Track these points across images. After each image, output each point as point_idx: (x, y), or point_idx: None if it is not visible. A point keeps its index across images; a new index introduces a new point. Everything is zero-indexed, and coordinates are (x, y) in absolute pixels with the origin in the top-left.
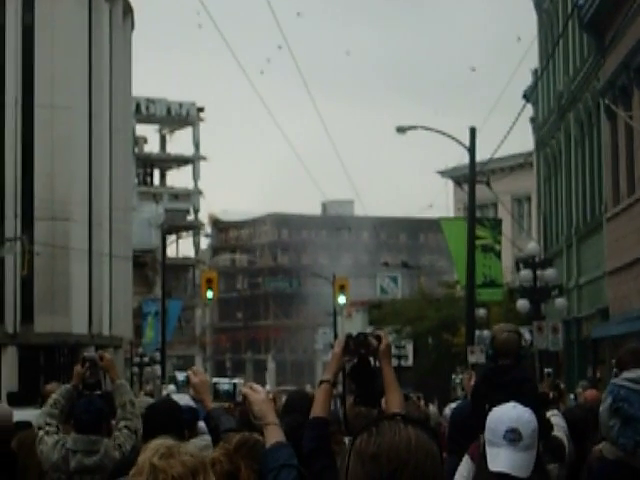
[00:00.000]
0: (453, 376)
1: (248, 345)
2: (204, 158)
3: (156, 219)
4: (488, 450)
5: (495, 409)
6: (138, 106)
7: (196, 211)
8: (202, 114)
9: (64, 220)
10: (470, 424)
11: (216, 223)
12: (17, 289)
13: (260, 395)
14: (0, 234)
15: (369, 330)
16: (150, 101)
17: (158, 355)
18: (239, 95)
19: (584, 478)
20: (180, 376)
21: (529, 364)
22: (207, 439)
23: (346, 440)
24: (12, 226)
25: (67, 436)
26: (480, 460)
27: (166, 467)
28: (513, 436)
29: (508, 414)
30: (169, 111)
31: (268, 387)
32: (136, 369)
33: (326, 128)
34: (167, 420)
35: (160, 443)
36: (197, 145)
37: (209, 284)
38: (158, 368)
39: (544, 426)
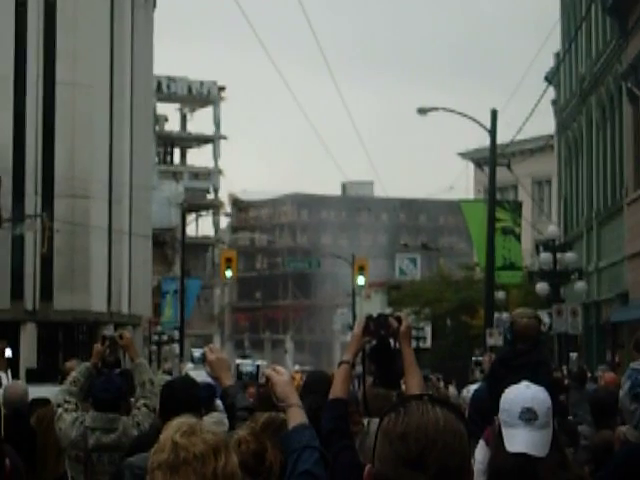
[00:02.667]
0: (473, 358)
1: (266, 325)
2: (225, 137)
3: (176, 198)
4: (504, 431)
5: (508, 390)
6: (159, 84)
7: (216, 190)
8: (223, 93)
9: (84, 198)
10: (490, 406)
11: (236, 202)
12: (37, 266)
13: (283, 377)
14: (20, 211)
15: (388, 311)
16: (171, 80)
17: (177, 334)
18: (260, 74)
19: (608, 460)
20: (197, 353)
21: (547, 347)
22: (216, 416)
23: (365, 421)
24: (32, 203)
25: (86, 414)
26: (497, 441)
27: (188, 445)
28: (529, 415)
29: (523, 394)
30: (190, 90)
31: (297, 367)
32: (155, 347)
33: (347, 108)
34: (184, 397)
35: (182, 421)
36: (218, 124)
37: (228, 263)
38: (176, 346)
39: (558, 408)
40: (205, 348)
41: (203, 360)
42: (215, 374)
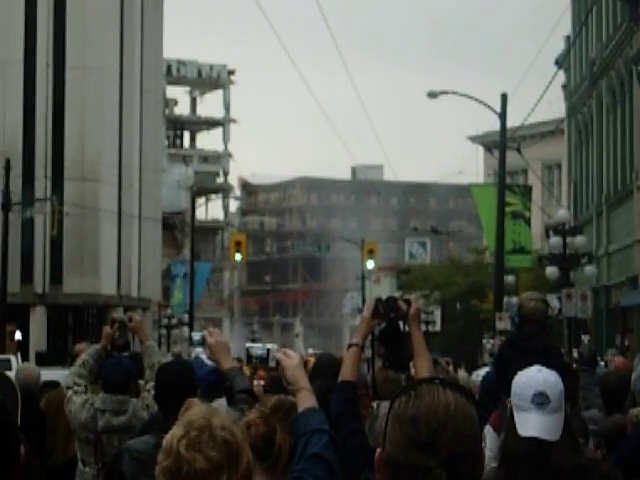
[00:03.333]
0: (484, 341)
1: (276, 308)
2: (234, 121)
3: (186, 181)
4: (516, 415)
5: (520, 373)
6: (169, 68)
7: (225, 174)
8: (233, 77)
9: (94, 181)
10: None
11: (245, 186)
12: (46, 249)
13: (293, 361)
14: (30, 194)
15: (397, 295)
16: (181, 63)
17: (186, 317)
18: (270, 58)
19: (619, 445)
20: (196, 336)
21: (557, 331)
22: (221, 402)
23: (374, 404)
24: (42, 186)
25: (95, 396)
26: (509, 425)
27: (190, 460)
28: (541, 399)
29: (534, 378)
30: (200, 73)
31: (310, 350)
32: (164, 331)
33: (357, 92)
34: (178, 380)
35: (193, 422)
36: (227, 108)
37: (238, 247)
38: (186, 330)
39: (570, 394)
40: (204, 331)
41: (202, 343)
42: (214, 357)
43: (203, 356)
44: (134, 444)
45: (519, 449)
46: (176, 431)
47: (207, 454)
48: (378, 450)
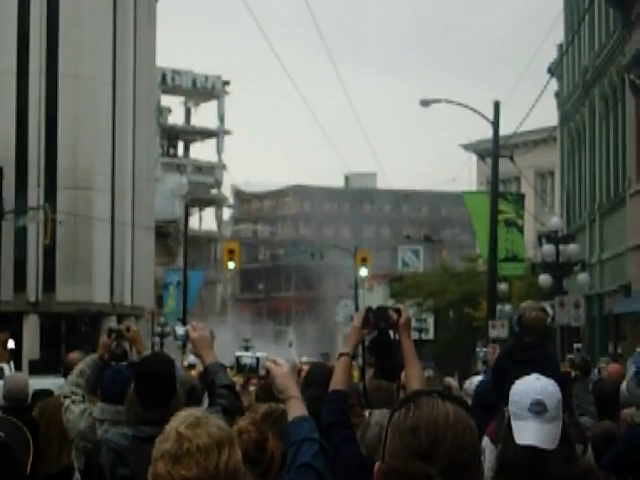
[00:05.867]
0: (477, 349)
1: (269, 316)
2: (228, 132)
3: (180, 189)
4: (514, 423)
5: (518, 382)
6: (164, 77)
7: (219, 185)
8: (227, 88)
9: (87, 189)
10: (494, 400)
11: (238, 194)
12: (39, 258)
13: (283, 369)
14: (23, 203)
15: (390, 303)
16: (176, 72)
17: (179, 324)
18: (264, 68)
19: (607, 451)
20: (180, 331)
21: (552, 340)
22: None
23: (366, 413)
24: (35, 195)
25: (94, 405)
26: (506, 433)
27: (192, 436)
28: (538, 408)
29: (532, 386)
30: (195, 83)
31: (304, 359)
32: (157, 339)
33: (350, 100)
34: (157, 373)
35: (188, 413)
36: (222, 119)
37: (231, 255)
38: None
39: (568, 403)
40: (187, 326)
41: (186, 338)
42: (197, 352)
43: (192, 357)
44: (111, 436)
45: (516, 457)
46: (174, 421)
47: (208, 430)
48: (377, 463)
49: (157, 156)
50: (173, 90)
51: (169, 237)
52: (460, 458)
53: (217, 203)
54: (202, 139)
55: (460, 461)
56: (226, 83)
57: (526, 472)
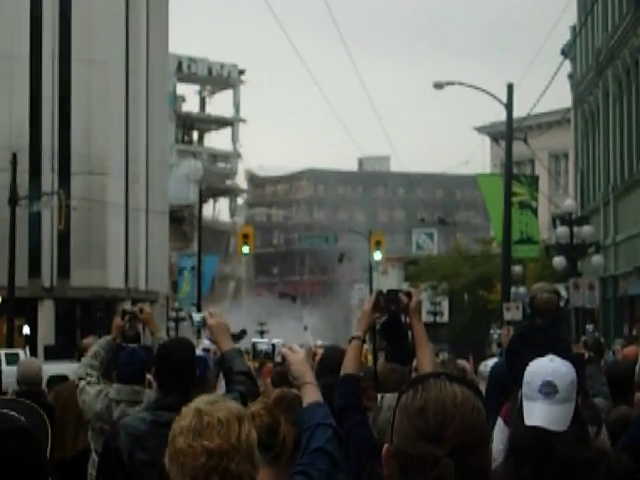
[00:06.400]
0: (491, 332)
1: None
2: (244, 121)
3: (194, 174)
4: (525, 404)
5: (532, 363)
6: (180, 64)
7: (234, 174)
8: (243, 77)
9: (101, 175)
10: (509, 382)
11: (252, 179)
12: (54, 243)
13: (298, 355)
14: (37, 188)
15: (405, 286)
16: (192, 60)
17: (194, 310)
18: (277, 52)
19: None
20: (197, 317)
21: (565, 322)
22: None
23: (379, 396)
24: (49, 180)
25: (109, 386)
26: (517, 414)
27: (212, 410)
28: (548, 389)
29: (545, 367)
30: (210, 71)
31: (319, 342)
32: (172, 323)
33: (364, 84)
34: (178, 358)
35: (205, 396)
36: (237, 107)
37: (245, 239)
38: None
39: (582, 385)
40: (205, 312)
41: (203, 324)
42: (214, 338)
43: (207, 342)
44: (130, 421)
45: (525, 439)
46: (191, 403)
47: (226, 405)
48: (385, 445)
49: (172, 142)
50: (189, 78)
51: (184, 222)
52: (468, 439)
53: (231, 193)
54: (217, 128)
55: (468, 442)
56: (242, 72)
57: (535, 454)
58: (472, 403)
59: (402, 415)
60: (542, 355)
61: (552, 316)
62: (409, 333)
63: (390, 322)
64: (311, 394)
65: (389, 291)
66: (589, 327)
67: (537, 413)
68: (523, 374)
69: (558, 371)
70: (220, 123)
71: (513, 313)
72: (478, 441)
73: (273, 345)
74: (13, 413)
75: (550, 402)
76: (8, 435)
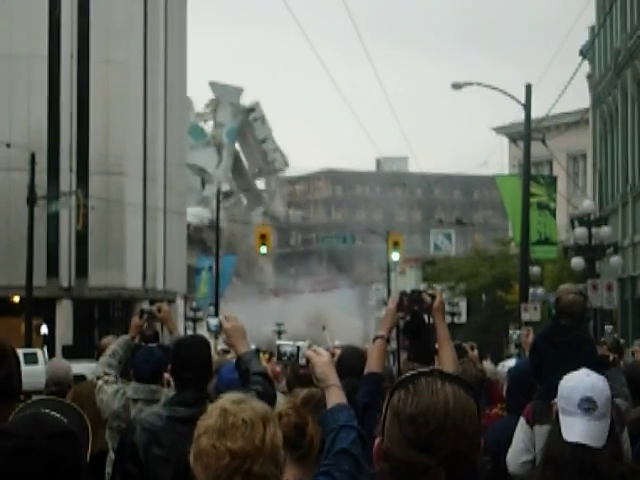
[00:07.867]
0: (510, 332)
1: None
2: (263, 119)
3: None
4: (562, 418)
5: (567, 377)
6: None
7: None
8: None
9: (119, 175)
10: (530, 382)
11: None
12: (72, 243)
13: (323, 358)
14: (55, 188)
15: (422, 287)
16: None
17: (212, 310)
18: (295, 52)
19: None
20: (213, 321)
21: (589, 324)
22: None
23: None
24: (67, 180)
25: (127, 385)
26: (554, 428)
27: (237, 410)
28: (588, 405)
29: (583, 382)
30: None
31: (337, 342)
32: (190, 323)
33: (382, 84)
34: (194, 356)
35: (231, 394)
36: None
37: (263, 239)
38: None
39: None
40: (221, 316)
41: (219, 329)
42: (231, 342)
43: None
44: (146, 416)
45: (565, 453)
46: (217, 402)
47: (252, 406)
48: (377, 440)
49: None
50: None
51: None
52: (459, 446)
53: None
54: None
55: (459, 449)
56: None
57: (576, 469)
58: (464, 407)
59: (393, 419)
60: (565, 354)
61: (577, 317)
62: (431, 333)
63: (413, 322)
64: (335, 396)
65: (413, 291)
66: (608, 328)
67: (577, 429)
68: (546, 373)
69: (596, 386)
70: None
71: (531, 314)
72: (469, 447)
73: (298, 347)
74: (54, 413)
75: (589, 418)
76: (52, 437)
